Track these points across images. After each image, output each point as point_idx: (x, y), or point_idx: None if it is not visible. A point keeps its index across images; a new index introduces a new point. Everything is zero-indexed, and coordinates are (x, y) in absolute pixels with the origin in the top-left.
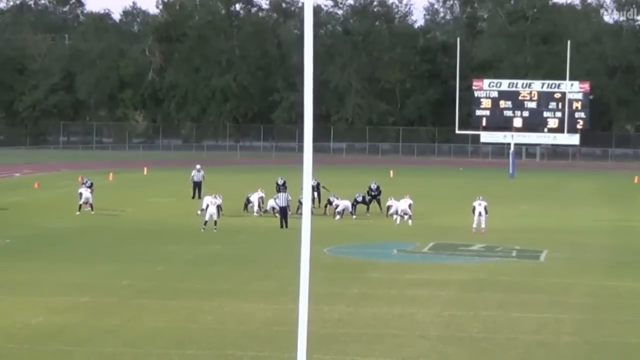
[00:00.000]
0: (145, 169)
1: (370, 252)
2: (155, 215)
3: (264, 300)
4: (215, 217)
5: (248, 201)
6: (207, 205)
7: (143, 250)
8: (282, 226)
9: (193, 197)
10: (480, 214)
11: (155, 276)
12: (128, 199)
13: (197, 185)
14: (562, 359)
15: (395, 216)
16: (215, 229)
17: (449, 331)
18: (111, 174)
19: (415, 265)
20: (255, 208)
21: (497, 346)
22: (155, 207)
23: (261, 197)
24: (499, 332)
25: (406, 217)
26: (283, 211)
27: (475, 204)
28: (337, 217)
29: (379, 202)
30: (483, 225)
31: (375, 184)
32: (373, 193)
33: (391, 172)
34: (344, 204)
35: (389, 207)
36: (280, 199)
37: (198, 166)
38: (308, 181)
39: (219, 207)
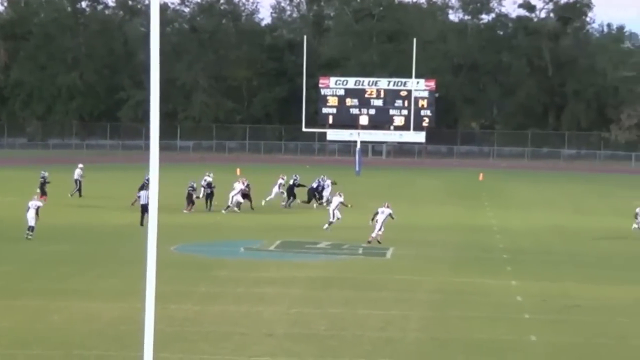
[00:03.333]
0: None
1: (218, 250)
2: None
3: (111, 299)
4: (32, 222)
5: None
6: (29, 208)
7: None
8: (142, 224)
9: (76, 195)
10: (377, 221)
11: (0, 276)
12: None
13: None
14: (408, 356)
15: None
16: (31, 235)
17: (296, 329)
18: None
19: (262, 263)
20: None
21: (344, 343)
22: None
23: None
24: (345, 329)
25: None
26: (145, 208)
27: (380, 210)
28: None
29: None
30: (373, 235)
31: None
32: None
33: (238, 170)
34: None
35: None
36: (143, 197)
37: (81, 165)
38: (155, 179)
39: (37, 210)
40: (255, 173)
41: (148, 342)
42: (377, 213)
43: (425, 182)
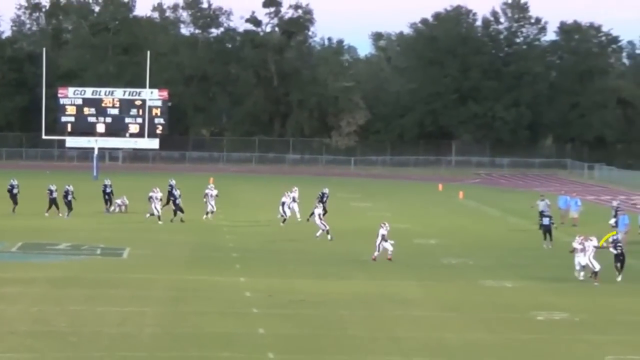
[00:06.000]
0: None
1: None
2: None
3: None
4: None
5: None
6: None
7: None
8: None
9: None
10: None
11: None
12: None
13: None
14: (144, 350)
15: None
16: None
17: (38, 326)
18: None
19: (4, 265)
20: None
21: (84, 339)
22: None
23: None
24: (85, 325)
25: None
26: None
27: (383, 231)
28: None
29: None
30: (378, 253)
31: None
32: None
33: None
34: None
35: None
36: None
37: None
38: None
39: None
40: None
41: None
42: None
43: (161, 185)
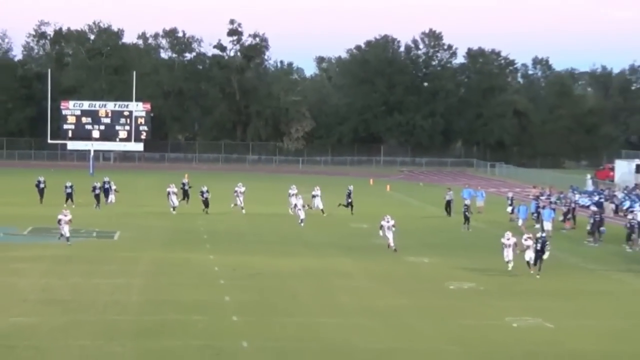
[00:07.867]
0: None
1: None
2: None
3: None
4: None
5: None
6: None
7: None
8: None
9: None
10: (387, 229)
11: None
12: None
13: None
14: (132, 314)
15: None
16: None
17: (45, 295)
18: None
19: (17, 245)
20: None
21: (82, 306)
22: None
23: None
24: (83, 294)
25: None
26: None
27: (383, 222)
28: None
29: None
30: (392, 243)
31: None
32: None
33: None
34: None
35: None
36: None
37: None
38: None
39: None
40: (12, 176)
41: None
42: (382, 226)
43: (145, 181)
